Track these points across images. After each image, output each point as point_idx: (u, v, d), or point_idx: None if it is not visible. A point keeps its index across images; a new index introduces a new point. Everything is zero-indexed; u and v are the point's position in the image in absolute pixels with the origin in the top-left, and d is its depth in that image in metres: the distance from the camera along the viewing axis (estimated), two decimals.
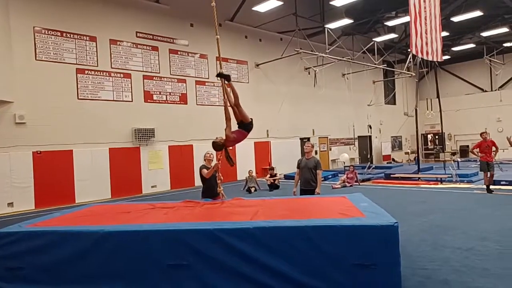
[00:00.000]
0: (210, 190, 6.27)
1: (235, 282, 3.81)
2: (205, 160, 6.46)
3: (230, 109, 5.21)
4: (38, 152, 11.43)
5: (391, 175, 15.04)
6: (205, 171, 6.15)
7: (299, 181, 6.82)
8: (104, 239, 4.00)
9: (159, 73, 14.46)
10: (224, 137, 5.15)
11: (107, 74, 13.10)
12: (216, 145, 5.17)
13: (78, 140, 12.21)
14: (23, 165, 11.12)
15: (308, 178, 6.60)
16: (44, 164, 11.44)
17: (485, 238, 5.69)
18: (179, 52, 15.09)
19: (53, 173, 11.58)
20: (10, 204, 10.88)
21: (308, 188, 6.58)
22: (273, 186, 13.26)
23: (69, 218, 4.96)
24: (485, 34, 20.75)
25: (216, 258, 3.84)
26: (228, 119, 5.15)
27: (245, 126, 5.20)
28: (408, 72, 21.05)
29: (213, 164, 6.44)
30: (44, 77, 11.62)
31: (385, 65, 22.28)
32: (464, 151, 24.94)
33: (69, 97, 12.15)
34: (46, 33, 11.78)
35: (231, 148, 5.74)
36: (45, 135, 11.56)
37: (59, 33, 12.02)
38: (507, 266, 4.45)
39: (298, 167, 6.84)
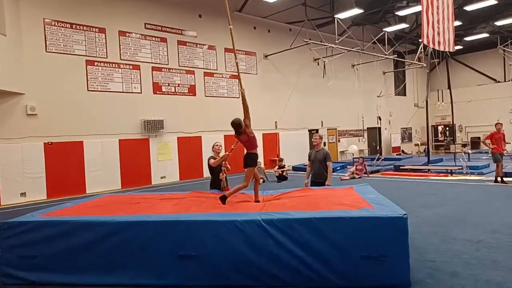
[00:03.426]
0: (218, 181, 6.28)
1: (243, 272, 3.84)
2: (213, 151, 6.46)
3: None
4: (49, 143, 11.59)
5: (401, 167, 14.94)
6: (212, 160, 6.15)
7: (311, 173, 6.81)
8: (115, 229, 4.06)
9: (167, 64, 14.47)
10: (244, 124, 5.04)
11: (116, 66, 13.15)
12: (237, 125, 5.01)
13: (88, 131, 12.34)
14: (35, 155, 11.29)
15: (318, 170, 6.58)
16: (55, 155, 11.61)
17: (496, 231, 5.63)
18: (187, 44, 15.07)
19: (64, 164, 11.75)
20: (23, 194, 11.09)
21: (318, 181, 6.56)
22: (282, 178, 13.27)
23: (80, 208, 5.03)
24: (499, 23, 20.28)
25: (225, 249, 3.87)
26: (246, 110, 5.09)
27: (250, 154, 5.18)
28: (419, 63, 20.71)
29: (221, 155, 6.44)
30: (55, 69, 11.72)
31: (396, 55, 21.96)
32: (475, 143, 24.59)
33: (79, 89, 12.25)
34: (56, 25, 11.84)
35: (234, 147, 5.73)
36: (56, 126, 11.70)
37: (68, 25, 12.09)
38: None
39: (309, 159, 6.84)
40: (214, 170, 6.24)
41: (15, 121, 11.06)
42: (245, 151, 5.24)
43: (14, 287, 4.14)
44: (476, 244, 5.02)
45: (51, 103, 11.64)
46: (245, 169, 5.17)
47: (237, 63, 5.80)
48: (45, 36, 11.60)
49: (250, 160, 5.14)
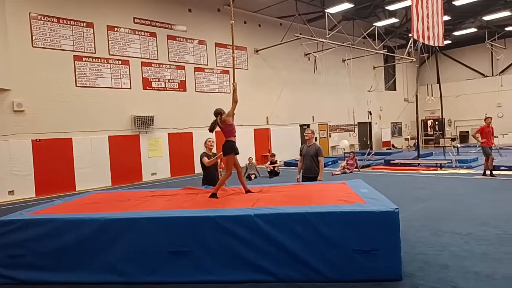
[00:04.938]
0: (210, 177, 6.24)
1: (236, 268, 3.83)
2: (206, 147, 6.41)
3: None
4: (37, 140, 11.40)
5: (391, 161, 15.05)
6: (206, 159, 6.10)
7: (302, 168, 6.81)
8: (105, 227, 4.00)
9: (157, 59, 14.31)
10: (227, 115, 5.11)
11: (105, 61, 12.96)
12: (216, 113, 5.18)
13: (77, 128, 12.17)
14: (23, 153, 11.10)
15: (310, 165, 6.58)
16: (43, 152, 11.42)
17: (485, 223, 5.71)
18: (177, 38, 14.91)
19: (53, 161, 11.57)
20: (11, 192, 10.91)
21: (309, 176, 6.56)
22: (273, 173, 13.28)
23: (69, 206, 4.96)
24: (487, 18, 20.48)
25: (217, 245, 3.85)
26: (235, 102, 5.18)
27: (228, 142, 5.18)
28: (409, 58, 20.85)
29: (214, 151, 6.41)
30: (42, 64, 11.50)
31: (386, 50, 22.05)
32: (464, 137, 24.93)
33: (67, 85, 12.05)
34: (42, 19, 11.60)
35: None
36: (44, 123, 11.51)
37: (55, 19, 11.85)
38: (507, 251, 4.48)
39: (301, 154, 6.83)
40: (207, 167, 6.21)
41: (2, 118, 10.83)
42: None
43: (2, 287, 4.07)
44: (465, 237, 5.09)
45: (39, 99, 11.43)
46: (225, 157, 5.19)
47: (233, 57, 6.02)
48: (31, 30, 11.36)
49: (227, 147, 5.13)
